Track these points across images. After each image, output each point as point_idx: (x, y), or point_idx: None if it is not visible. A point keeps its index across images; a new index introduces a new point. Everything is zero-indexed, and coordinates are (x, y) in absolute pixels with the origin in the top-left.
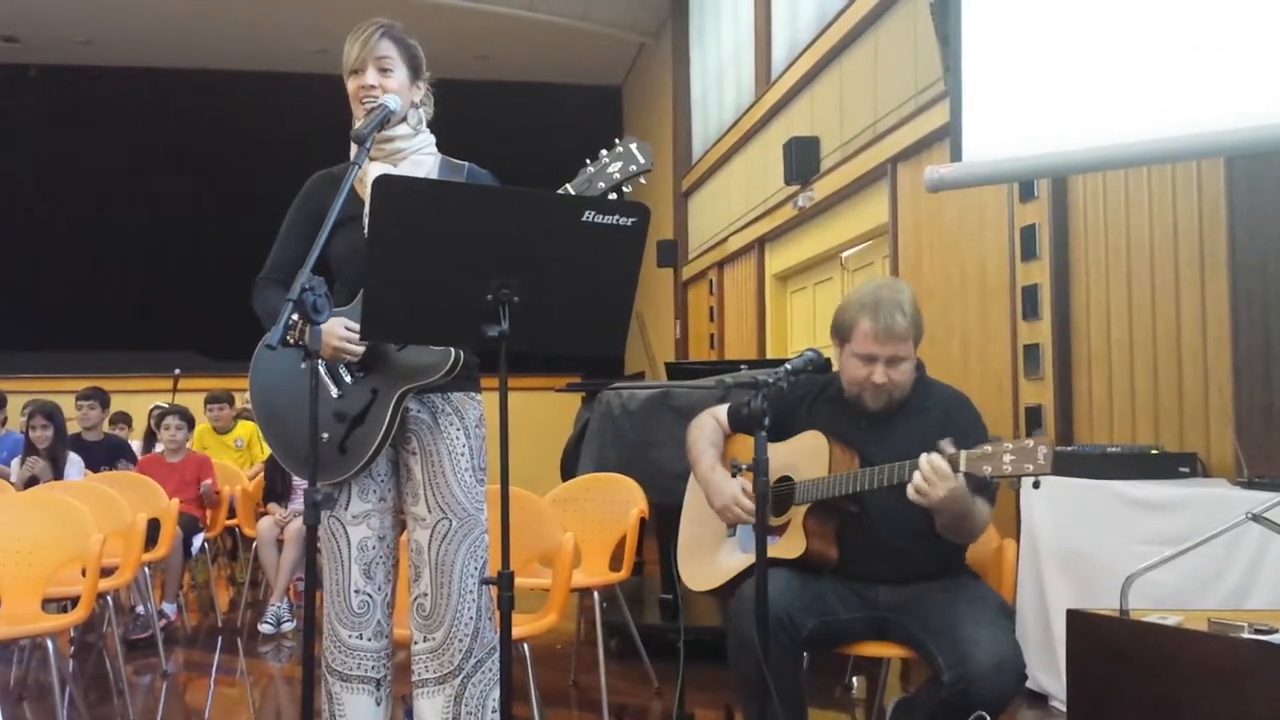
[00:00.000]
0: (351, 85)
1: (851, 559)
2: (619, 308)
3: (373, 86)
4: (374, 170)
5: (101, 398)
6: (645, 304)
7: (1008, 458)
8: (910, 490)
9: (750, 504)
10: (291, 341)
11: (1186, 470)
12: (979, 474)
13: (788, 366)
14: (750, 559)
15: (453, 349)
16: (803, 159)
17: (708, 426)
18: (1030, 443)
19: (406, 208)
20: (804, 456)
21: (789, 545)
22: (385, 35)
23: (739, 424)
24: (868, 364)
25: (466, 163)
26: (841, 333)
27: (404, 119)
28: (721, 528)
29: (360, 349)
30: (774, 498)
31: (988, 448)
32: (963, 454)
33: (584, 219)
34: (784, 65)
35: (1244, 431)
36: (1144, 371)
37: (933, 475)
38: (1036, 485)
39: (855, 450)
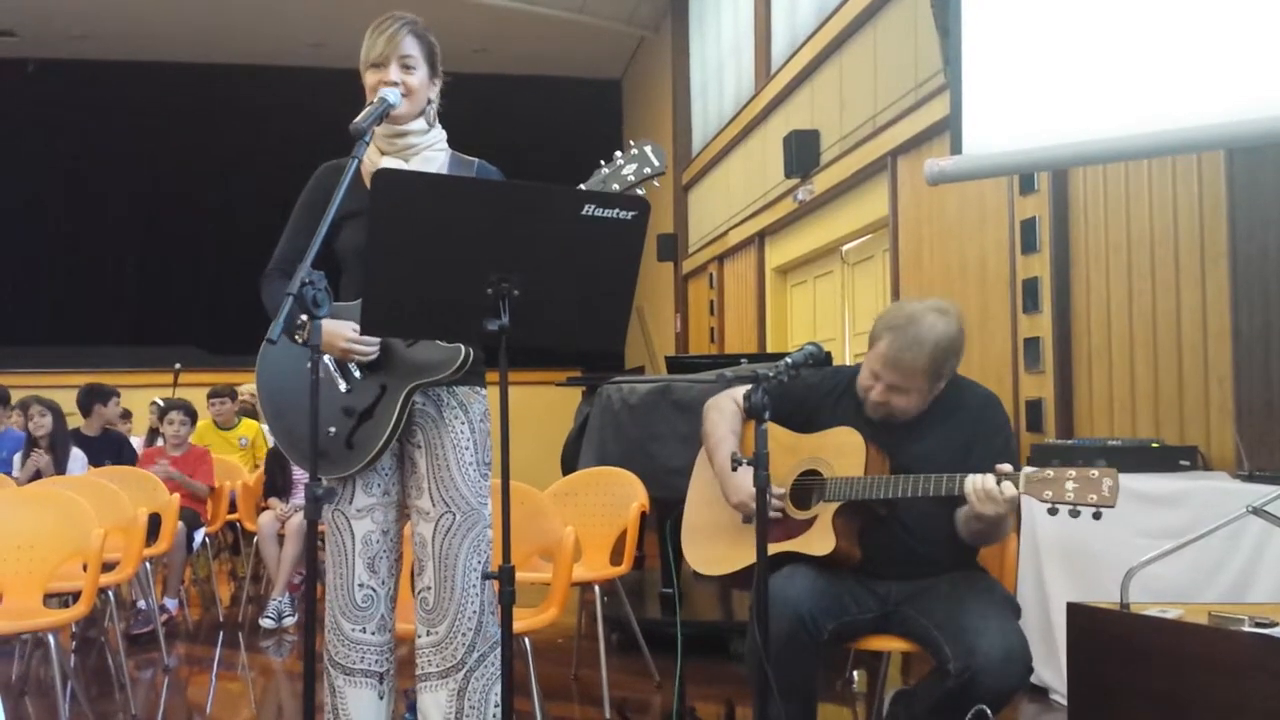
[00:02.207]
0: (371, 79)
1: (871, 559)
2: (619, 301)
3: (395, 83)
4: (384, 165)
5: (114, 392)
6: (645, 298)
7: (1070, 485)
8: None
9: (771, 503)
10: (300, 341)
11: (1187, 463)
12: (1038, 498)
13: (788, 360)
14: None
15: (462, 346)
16: (803, 152)
17: (728, 410)
18: (1095, 473)
19: (407, 201)
20: (836, 452)
21: (817, 541)
22: (411, 32)
23: (749, 412)
24: (873, 379)
25: (476, 159)
26: (870, 338)
27: (420, 115)
28: (736, 513)
29: (371, 350)
30: (799, 490)
31: (1049, 472)
32: (1023, 476)
33: (584, 213)
34: (784, 58)
35: (1244, 424)
36: (1144, 364)
37: (985, 497)
38: (1097, 516)
39: (886, 450)
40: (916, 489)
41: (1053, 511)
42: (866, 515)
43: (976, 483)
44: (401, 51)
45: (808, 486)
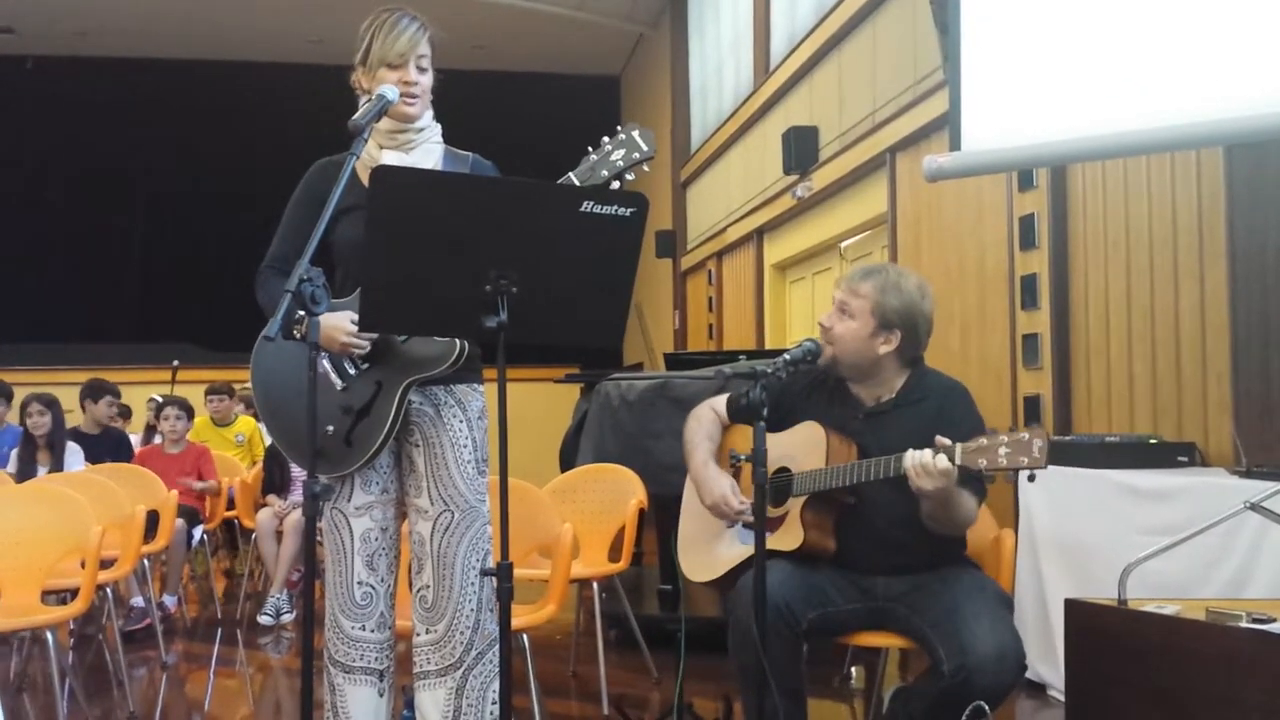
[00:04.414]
0: (388, 77)
1: (849, 550)
2: (618, 298)
3: (414, 83)
4: (385, 159)
5: (114, 391)
6: (644, 294)
7: (1003, 450)
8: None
9: (738, 503)
10: (299, 336)
11: (1185, 459)
12: (974, 468)
13: (786, 357)
14: (749, 550)
15: (457, 340)
16: (801, 148)
17: (705, 419)
18: (1025, 435)
19: (406, 198)
20: (802, 448)
21: (787, 537)
22: (425, 34)
23: (737, 415)
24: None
25: (471, 153)
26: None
27: (427, 109)
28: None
29: (368, 343)
30: (772, 489)
31: (983, 440)
32: (958, 447)
33: (582, 209)
34: (783, 54)
35: (1242, 421)
36: (1142, 361)
37: (921, 471)
38: (1031, 479)
39: (853, 441)
40: (865, 473)
41: (989, 479)
42: (834, 506)
43: (914, 458)
44: (419, 52)
45: (780, 485)
